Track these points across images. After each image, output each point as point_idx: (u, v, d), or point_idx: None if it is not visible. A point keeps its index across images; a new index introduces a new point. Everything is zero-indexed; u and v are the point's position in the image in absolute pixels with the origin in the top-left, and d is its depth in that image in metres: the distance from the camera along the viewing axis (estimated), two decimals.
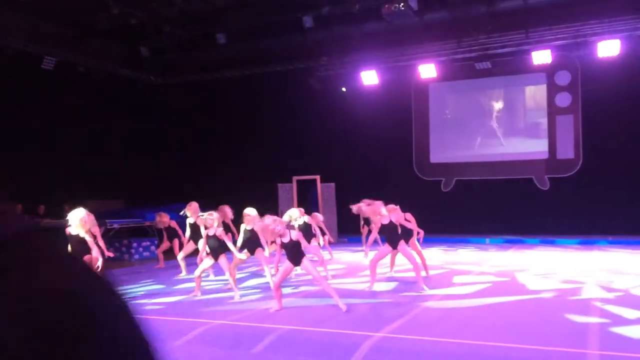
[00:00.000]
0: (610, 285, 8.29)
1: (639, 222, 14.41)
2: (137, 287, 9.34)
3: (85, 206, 9.47)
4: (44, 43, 14.09)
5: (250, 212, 8.73)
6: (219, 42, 15.01)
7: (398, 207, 8.96)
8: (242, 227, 8.73)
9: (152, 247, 13.93)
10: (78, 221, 7.53)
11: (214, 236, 7.99)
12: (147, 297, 8.38)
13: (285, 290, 8.54)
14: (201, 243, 8.36)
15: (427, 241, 14.78)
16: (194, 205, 10.22)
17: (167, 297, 8.28)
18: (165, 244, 11.69)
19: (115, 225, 13.44)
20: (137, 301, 8.04)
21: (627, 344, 5.22)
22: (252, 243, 8.56)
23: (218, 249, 8.00)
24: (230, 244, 8.26)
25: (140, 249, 13.94)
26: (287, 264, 7.20)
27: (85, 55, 15.36)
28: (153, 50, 15.93)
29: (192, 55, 16.97)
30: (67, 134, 16.04)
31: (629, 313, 6.42)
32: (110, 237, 13.71)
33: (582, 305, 6.92)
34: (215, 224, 8.02)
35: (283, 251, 7.32)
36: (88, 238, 7.56)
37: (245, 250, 8.58)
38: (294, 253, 7.08)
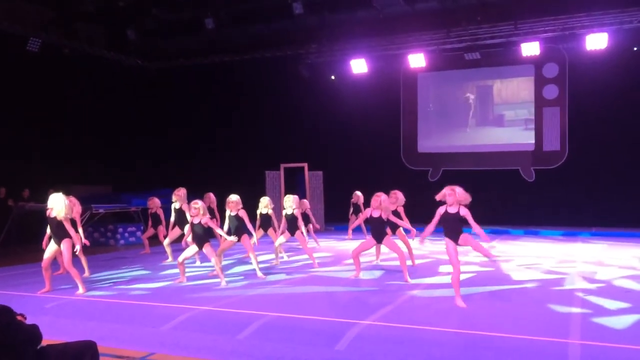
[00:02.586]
0: (592, 276, 8.41)
1: (622, 215, 14.63)
2: (122, 273, 9.30)
3: (71, 190, 9.40)
4: (29, 25, 13.83)
5: (233, 198, 8.70)
6: (207, 27, 14.83)
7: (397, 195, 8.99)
8: (227, 213, 8.71)
9: (138, 233, 13.86)
10: (57, 205, 7.46)
11: (199, 224, 7.96)
12: (132, 282, 8.35)
13: (275, 277, 8.56)
14: (187, 229, 8.32)
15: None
16: (182, 191, 10.20)
17: (152, 283, 8.26)
18: (150, 231, 11.66)
19: (101, 210, 13.35)
20: (123, 286, 8.00)
21: (608, 334, 5.32)
22: (238, 229, 8.55)
23: (203, 236, 7.97)
24: (219, 230, 8.24)
25: (126, 235, 13.87)
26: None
27: (71, 38, 15.12)
28: (140, 34, 15.71)
29: (180, 40, 16.77)
30: (54, 117, 15.82)
31: (610, 304, 6.53)
32: (95, 222, 13.62)
33: (565, 296, 7.02)
34: (201, 212, 7.99)
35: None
36: (65, 222, 7.48)
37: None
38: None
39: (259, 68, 17.12)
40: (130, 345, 5.33)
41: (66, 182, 13.07)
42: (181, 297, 7.14)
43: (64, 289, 7.83)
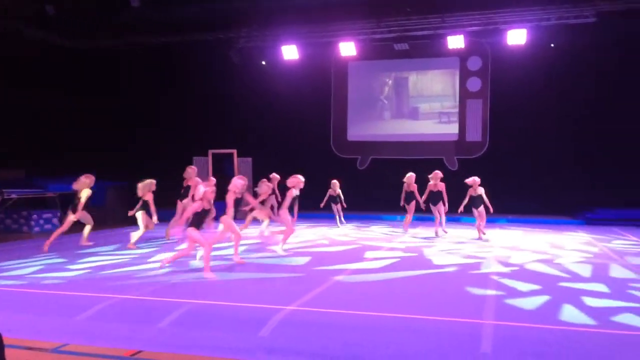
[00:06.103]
0: (507, 260, 8.85)
1: (537, 203, 15.50)
2: (35, 261, 8.78)
3: None
4: None
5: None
6: (133, 5, 14.20)
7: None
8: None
9: (54, 220, 13.18)
10: None
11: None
12: (46, 271, 7.93)
13: (199, 264, 8.39)
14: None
15: (343, 217, 15.08)
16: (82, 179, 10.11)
17: (68, 272, 7.87)
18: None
19: (14, 196, 12.57)
20: (35, 275, 7.57)
21: (519, 314, 5.61)
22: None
23: None
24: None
25: (41, 221, 13.15)
26: None
27: None
28: (59, 9, 14.80)
29: (103, 18, 15.96)
30: None
31: (522, 286, 6.90)
32: (7, 208, 12.83)
33: (481, 279, 7.34)
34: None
35: None
36: None
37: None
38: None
39: (187, 51, 16.63)
40: (42, 336, 5.06)
41: None
42: (99, 285, 6.85)
43: None
